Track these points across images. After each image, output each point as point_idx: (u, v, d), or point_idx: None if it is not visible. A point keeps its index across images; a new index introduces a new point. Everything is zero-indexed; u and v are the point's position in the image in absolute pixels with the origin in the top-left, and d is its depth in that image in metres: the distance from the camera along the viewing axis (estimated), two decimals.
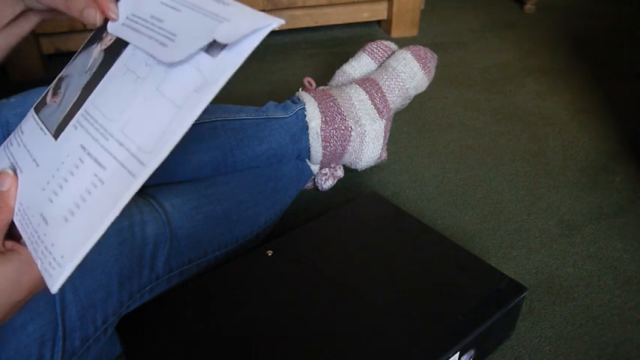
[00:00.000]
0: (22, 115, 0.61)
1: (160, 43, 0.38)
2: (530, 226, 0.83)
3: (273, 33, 1.47)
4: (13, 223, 0.42)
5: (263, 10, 1.36)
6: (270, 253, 0.65)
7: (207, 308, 0.58)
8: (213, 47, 0.35)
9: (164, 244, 0.61)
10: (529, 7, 1.66)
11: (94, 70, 0.44)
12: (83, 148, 0.39)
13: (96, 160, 0.37)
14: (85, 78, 0.44)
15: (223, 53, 0.35)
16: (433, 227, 0.72)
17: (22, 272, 0.39)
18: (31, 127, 0.45)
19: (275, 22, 0.33)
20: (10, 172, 0.43)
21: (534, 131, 1.07)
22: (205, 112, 0.79)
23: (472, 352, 0.57)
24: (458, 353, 0.54)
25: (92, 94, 0.42)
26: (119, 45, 0.43)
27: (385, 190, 0.91)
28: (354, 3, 1.44)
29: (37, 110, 0.46)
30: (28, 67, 1.25)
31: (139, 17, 0.43)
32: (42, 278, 0.39)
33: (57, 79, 0.48)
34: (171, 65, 0.37)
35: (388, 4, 1.46)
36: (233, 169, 0.75)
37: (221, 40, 0.34)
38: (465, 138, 1.05)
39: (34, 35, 1.23)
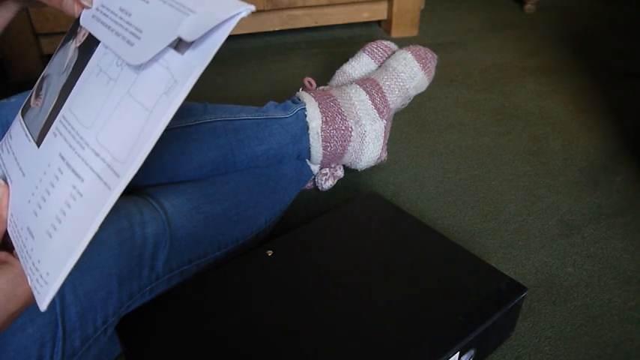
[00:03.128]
0: None
1: (127, 41, 0.37)
2: (530, 226, 0.83)
3: (273, 33, 1.47)
4: (7, 233, 0.41)
5: (263, 11, 1.36)
6: (270, 253, 0.65)
7: (207, 308, 0.58)
8: (181, 44, 0.34)
9: (164, 244, 0.61)
10: (529, 7, 1.66)
11: (70, 70, 0.43)
12: (62, 157, 0.38)
13: (74, 171, 0.36)
14: (63, 79, 0.43)
15: (191, 50, 0.33)
16: (433, 227, 0.72)
17: (17, 284, 0.38)
18: (18, 132, 0.45)
19: (243, 10, 0.31)
20: (2, 182, 0.42)
21: (534, 131, 1.07)
22: (205, 112, 0.80)
23: (472, 352, 0.57)
24: (458, 353, 0.54)
25: (69, 97, 0.41)
26: (92, 42, 0.42)
27: (385, 190, 0.91)
28: (354, 3, 1.44)
29: (24, 113, 0.46)
30: (28, 68, 1.25)
31: (108, 9, 0.42)
32: None
33: (40, 78, 0.47)
34: (140, 66, 0.36)
35: (388, 4, 1.46)
36: (233, 169, 0.75)
37: (186, 37, 0.33)
38: (465, 138, 1.05)
39: (34, 35, 1.23)
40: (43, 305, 0.35)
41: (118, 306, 0.56)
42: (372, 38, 1.39)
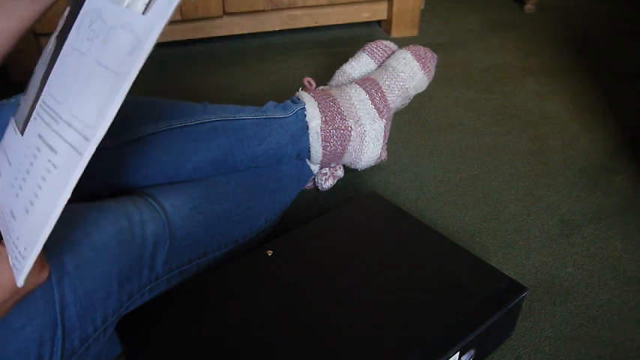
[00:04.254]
0: None
1: None
2: (530, 226, 0.83)
3: (273, 33, 1.47)
4: None
5: (263, 11, 1.36)
6: (270, 253, 0.65)
7: (207, 308, 0.58)
8: (147, 5, 0.34)
9: (164, 244, 0.61)
10: (529, 7, 1.66)
11: (49, 59, 0.43)
12: (40, 136, 0.38)
13: (49, 146, 0.37)
14: (43, 69, 0.44)
15: (153, 7, 0.34)
16: (433, 227, 0.72)
17: (2, 270, 0.39)
18: (9, 131, 0.46)
19: None
20: None
21: (534, 131, 1.07)
22: (205, 112, 0.80)
23: (472, 352, 0.57)
24: (458, 353, 0.54)
25: (47, 83, 0.41)
26: (67, 28, 0.43)
27: (385, 190, 0.91)
28: (354, 3, 1.44)
29: (15, 114, 0.47)
30: (28, 68, 1.25)
31: None
32: None
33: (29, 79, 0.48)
34: (107, 32, 0.36)
35: (388, 4, 1.46)
36: (233, 169, 0.75)
37: None
38: (465, 138, 1.05)
39: (34, 35, 1.22)
40: (20, 280, 0.36)
41: (117, 306, 0.56)
42: (372, 38, 1.39)
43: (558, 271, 0.75)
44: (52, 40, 0.45)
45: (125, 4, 0.35)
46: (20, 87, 0.67)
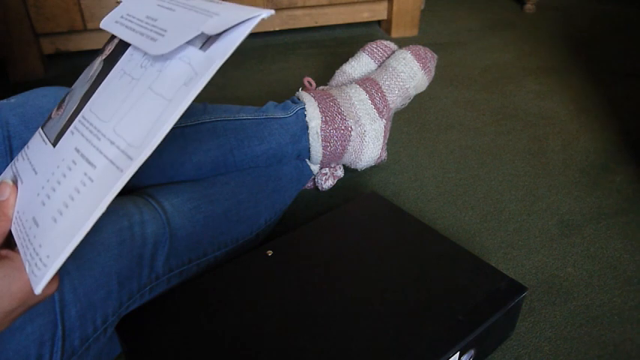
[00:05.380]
0: (22, 116, 0.61)
1: (151, 38, 0.39)
2: (530, 226, 0.83)
3: (273, 33, 1.47)
4: (10, 232, 0.42)
5: None
6: (270, 253, 0.65)
7: (207, 308, 0.58)
8: (206, 43, 0.36)
9: (164, 244, 0.61)
10: (529, 7, 1.66)
11: (94, 79, 0.44)
12: (77, 150, 0.39)
13: (87, 160, 0.38)
14: (85, 88, 0.45)
15: (213, 46, 0.35)
16: (433, 227, 0.72)
17: (13, 279, 0.38)
18: (35, 141, 0.46)
19: (264, 12, 0.33)
20: (10, 182, 0.43)
21: (534, 131, 1.07)
22: (205, 112, 0.80)
23: (472, 352, 0.57)
24: (458, 353, 0.54)
25: (89, 100, 0.42)
26: (117, 53, 0.44)
27: (385, 190, 0.91)
28: (354, 3, 1.44)
29: (44, 126, 0.47)
30: (28, 68, 1.25)
31: (133, 17, 0.44)
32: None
33: (64, 95, 0.49)
34: (164, 63, 0.37)
35: (388, 4, 1.46)
36: (233, 169, 0.75)
37: (209, 31, 0.35)
38: (465, 138, 1.05)
39: (34, 35, 1.23)
40: (38, 288, 0.36)
41: (117, 306, 0.56)
42: (372, 38, 1.39)
43: (558, 271, 0.75)
44: (98, 62, 0.46)
45: (179, 41, 0.36)
46: (20, 87, 0.67)
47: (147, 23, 0.41)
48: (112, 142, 0.37)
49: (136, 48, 0.42)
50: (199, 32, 0.35)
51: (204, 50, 0.35)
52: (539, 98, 1.18)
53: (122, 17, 0.44)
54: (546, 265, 0.76)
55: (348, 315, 0.57)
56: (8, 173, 0.47)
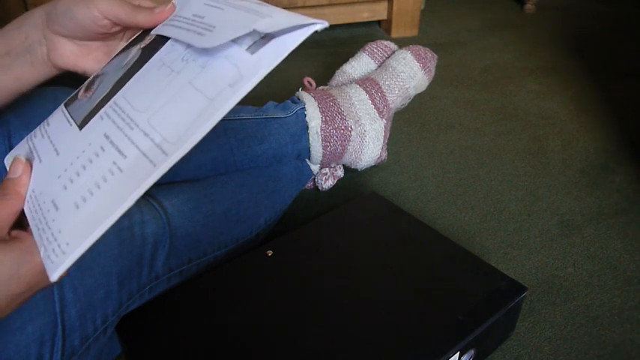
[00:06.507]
0: (22, 116, 0.61)
1: (198, 33, 0.38)
2: (530, 226, 0.83)
3: None
4: (23, 212, 0.40)
5: None
6: (270, 253, 0.65)
7: (207, 308, 0.58)
8: (254, 45, 0.34)
9: (164, 244, 0.61)
10: (529, 7, 1.66)
11: (129, 66, 0.43)
12: (106, 136, 0.38)
13: (117, 149, 0.36)
14: (120, 74, 0.43)
15: (262, 49, 0.34)
16: (433, 227, 0.72)
17: (22, 262, 0.37)
18: (57, 119, 0.44)
19: (318, 23, 0.32)
20: (23, 159, 0.41)
21: (534, 131, 1.07)
22: None
23: (472, 352, 0.57)
24: (458, 353, 0.54)
25: (124, 87, 0.41)
26: (157, 43, 0.43)
27: (385, 190, 0.91)
28: (354, 3, 1.44)
29: (67, 105, 0.45)
30: None
31: (181, 16, 0.42)
32: (42, 270, 0.37)
33: (92, 76, 0.47)
34: (207, 59, 0.36)
35: (388, 4, 1.46)
36: (233, 169, 0.75)
37: (262, 29, 0.33)
38: (465, 138, 1.05)
39: None
40: (55, 276, 0.34)
41: (117, 305, 0.56)
42: (372, 38, 1.39)
43: (558, 271, 0.75)
44: (136, 50, 0.45)
45: (229, 36, 0.35)
46: None
47: (194, 21, 0.40)
48: (146, 134, 0.35)
49: (178, 40, 0.40)
50: (251, 30, 0.34)
51: (252, 53, 0.34)
52: (539, 98, 1.18)
53: (169, 19, 0.44)
54: (546, 265, 0.76)
55: (348, 315, 0.57)
56: (23, 148, 0.44)
